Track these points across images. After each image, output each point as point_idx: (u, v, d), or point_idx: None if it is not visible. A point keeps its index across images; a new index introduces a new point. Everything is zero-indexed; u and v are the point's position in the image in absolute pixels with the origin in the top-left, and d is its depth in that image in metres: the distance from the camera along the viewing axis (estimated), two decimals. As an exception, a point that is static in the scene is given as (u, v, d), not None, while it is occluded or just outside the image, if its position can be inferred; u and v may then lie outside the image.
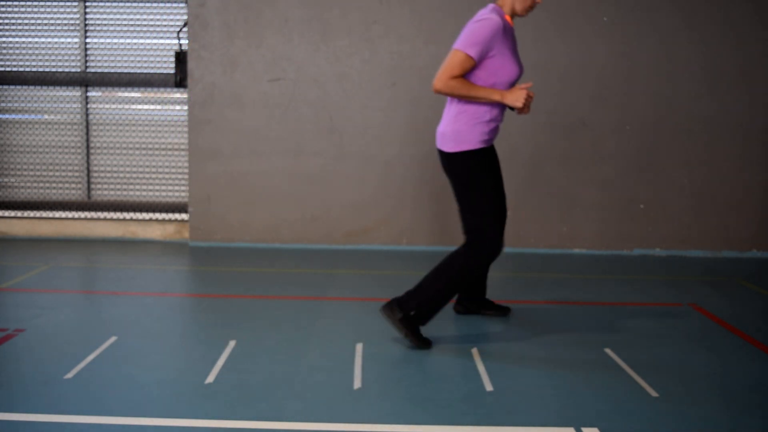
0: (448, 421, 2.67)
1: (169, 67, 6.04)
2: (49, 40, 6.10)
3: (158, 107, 6.17)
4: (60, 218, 6.16)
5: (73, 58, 6.11)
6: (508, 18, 3.47)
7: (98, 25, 6.07)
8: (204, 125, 5.87)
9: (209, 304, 4.30)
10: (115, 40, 6.09)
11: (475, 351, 3.43)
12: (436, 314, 3.52)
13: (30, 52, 6.11)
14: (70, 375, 3.02)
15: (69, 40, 6.09)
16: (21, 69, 6.12)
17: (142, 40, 6.08)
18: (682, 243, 5.91)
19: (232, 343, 3.47)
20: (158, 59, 6.09)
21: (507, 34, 3.42)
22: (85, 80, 6.07)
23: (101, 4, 6.03)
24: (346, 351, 3.40)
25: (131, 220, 6.15)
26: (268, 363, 3.23)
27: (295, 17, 5.77)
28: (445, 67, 3.36)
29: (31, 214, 6.19)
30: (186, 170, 6.14)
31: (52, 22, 6.07)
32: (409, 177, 5.89)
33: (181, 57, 5.88)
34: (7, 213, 6.21)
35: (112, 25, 6.07)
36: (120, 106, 6.17)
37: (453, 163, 3.49)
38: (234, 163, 5.90)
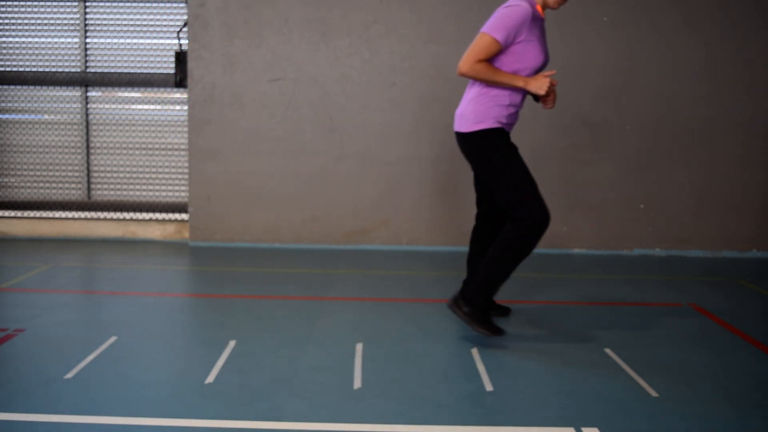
0: (448, 421, 2.66)
1: (169, 67, 6.04)
2: (49, 40, 6.10)
3: (158, 107, 6.17)
4: (60, 218, 6.16)
5: (73, 58, 6.11)
6: (539, 8, 3.45)
7: (98, 25, 6.07)
8: (204, 125, 5.87)
9: (209, 304, 4.30)
10: (115, 40, 6.09)
11: (475, 351, 3.43)
12: (500, 285, 3.53)
13: (30, 52, 6.11)
14: (70, 375, 3.02)
15: (69, 40, 6.09)
16: (21, 69, 6.12)
17: (142, 40, 6.08)
18: (682, 243, 5.91)
19: (232, 343, 3.47)
20: (158, 59, 6.09)
21: (536, 22, 3.39)
22: (85, 80, 6.07)
23: (101, 4, 6.03)
24: (346, 351, 3.40)
25: (131, 220, 6.15)
26: (268, 363, 3.22)
27: (295, 17, 5.77)
28: (471, 50, 3.33)
29: (31, 214, 6.19)
30: (186, 170, 6.14)
31: (52, 22, 6.07)
32: (409, 177, 5.89)
33: (181, 57, 5.88)
34: (7, 213, 6.21)
35: (112, 25, 6.07)
36: (120, 106, 6.17)
37: (471, 143, 3.46)
38: (234, 163, 5.90)
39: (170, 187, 6.22)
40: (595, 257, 5.77)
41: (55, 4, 6.04)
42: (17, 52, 6.11)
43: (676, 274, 5.29)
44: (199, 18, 5.78)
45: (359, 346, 3.46)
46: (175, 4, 6.02)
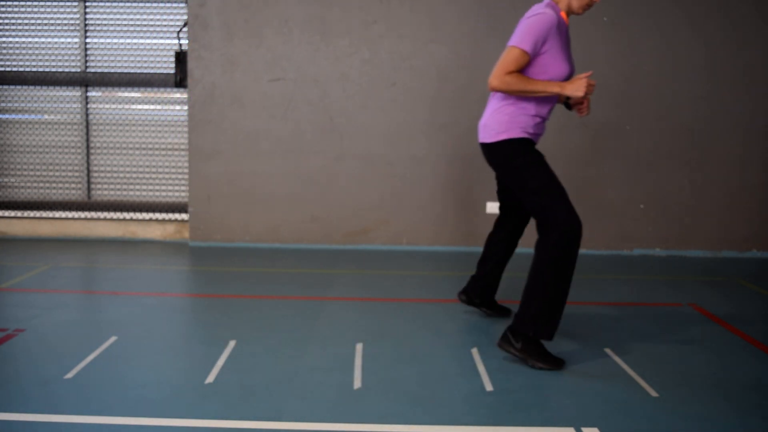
0: (448, 421, 2.66)
1: (169, 67, 6.04)
2: (49, 40, 6.10)
3: (158, 107, 6.17)
4: (60, 218, 6.17)
5: (73, 58, 6.11)
6: (563, 15, 3.36)
7: (98, 25, 6.07)
8: (204, 125, 5.87)
9: (209, 304, 4.30)
10: (115, 40, 6.09)
11: (475, 351, 3.43)
12: (558, 320, 3.21)
13: (30, 52, 6.11)
14: (70, 375, 3.02)
15: (69, 40, 6.09)
16: (21, 69, 6.12)
17: (142, 40, 6.08)
18: (682, 243, 5.92)
19: (232, 343, 3.47)
20: (158, 59, 6.09)
21: (561, 30, 3.30)
22: (85, 80, 6.07)
23: (101, 4, 6.03)
24: (346, 351, 3.40)
25: (131, 220, 6.15)
26: (268, 363, 3.22)
27: (295, 17, 5.77)
28: (500, 64, 3.24)
29: (31, 214, 6.19)
30: (186, 170, 6.14)
31: (52, 22, 6.07)
32: (409, 177, 5.89)
33: (181, 57, 5.88)
34: (7, 213, 6.21)
35: (112, 25, 6.07)
36: (120, 106, 6.17)
37: (496, 153, 3.38)
38: (234, 163, 5.90)
39: (170, 187, 6.22)
40: (595, 257, 5.77)
41: (55, 4, 6.04)
42: (17, 52, 6.11)
43: (676, 274, 5.29)
44: (199, 18, 5.78)
45: (359, 346, 3.46)
46: (175, 4, 6.02)
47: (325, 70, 5.82)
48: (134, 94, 6.19)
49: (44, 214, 6.20)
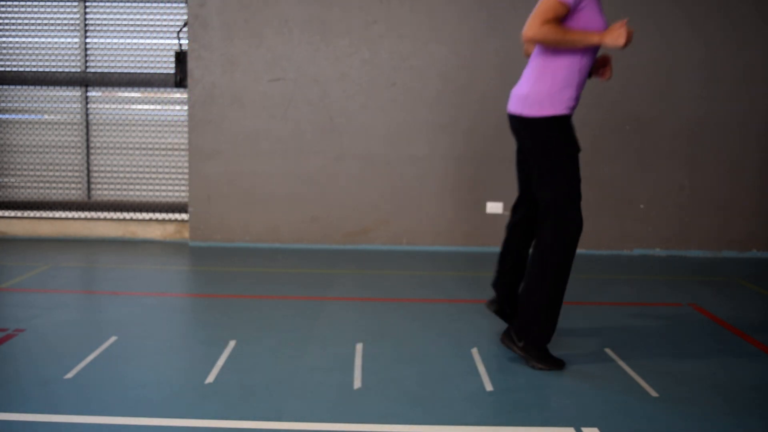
0: (448, 421, 2.66)
1: (169, 67, 6.04)
2: (49, 40, 6.09)
3: (158, 107, 6.17)
4: (60, 218, 6.16)
5: (73, 58, 6.11)
6: None
7: (98, 25, 6.07)
8: (204, 125, 5.87)
9: (209, 304, 4.30)
10: (115, 40, 6.09)
11: (475, 351, 3.43)
12: (555, 323, 3.21)
13: (30, 52, 6.11)
14: (70, 375, 3.02)
15: (69, 40, 6.09)
16: (21, 69, 6.11)
17: (142, 40, 6.08)
18: (682, 243, 5.92)
19: (232, 343, 3.47)
20: (158, 59, 6.09)
21: None
22: (85, 80, 6.07)
23: (101, 4, 6.03)
24: (346, 351, 3.40)
25: (131, 220, 6.15)
26: (268, 363, 3.22)
27: (295, 17, 5.77)
28: (536, 13, 2.99)
29: (31, 214, 6.19)
30: (186, 170, 6.14)
31: (52, 22, 6.07)
32: (409, 177, 5.89)
33: (181, 57, 5.87)
34: (7, 213, 6.21)
35: (112, 25, 6.07)
36: (120, 106, 6.17)
37: (535, 129, 3.13)
38: (234, 163, 5.90)
39: (170, 187, 6.22)
40: (595, 257, 5.77)
41: (55, 4, 6.04)
42: (17, 52, 6.11)
43: (676, 274, 5.29)
44: (199, 18, 5.78)
45: (359, 346, 3.46)
46: (175, 4, 6.02)
47: (325, 70, 5.82)
48: (134, 94, 6.19)
49: (44, 214, 6.20)
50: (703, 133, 5.81)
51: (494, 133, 5.71)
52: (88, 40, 6.08)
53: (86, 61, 6.09)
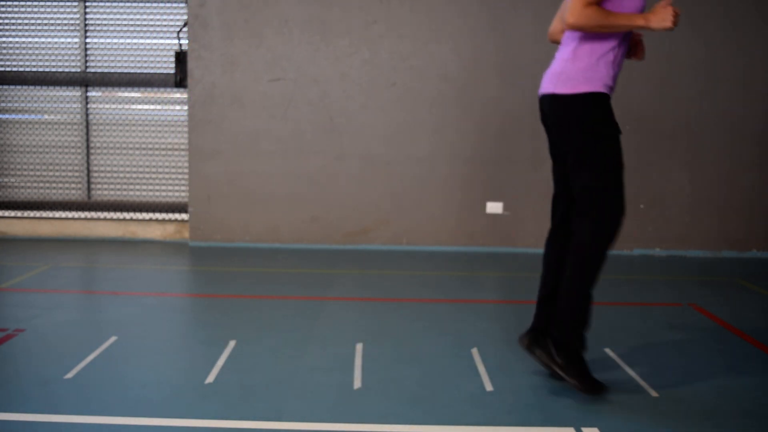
0: (448, 421, 2.66)
1: (169, 67, 6.04)
2: (49, 40, 6.09)
3: (158, 107, 6.18)
4: (60, 218, 6.16)
5: (73, 58, 6.11)
6: None
7: (98, 25, 6.07)
8: (204, 125, 5.87)
9: (209, 304, 4.30)
10: (115, 40, 6.09)
11: (475, 351, 3.43)
12: (586, 328, 2.97)
13: (30, 52, 6.11)
14: (70, 375, 3.02)
15: (69, 40, 6.09)
16: (21, 69, 6.12)
17: (142, 40, 6.08)
18: (682, 243, 5.91)
19: (232, 343, 3.46)
20: (158, 59, 6.09)
21: None
22: (85, 80, 6.07)
23: (101, 4, 6.03)
24: (346, 351, 3.40)
25: (131, 220, 6.15)
26: (268, 363, 3.22)
27: (295, 17, 5.77)
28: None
29: (31, 214, 6.19)
30: (186, 170, 6.14)
31: (52, 22, 6.07)
32: (409, 177, 5.88)
33: (181, 57, 5.87)
34: (7, 213, 6.21)
35: (112, 25, 6.07)
36: (120, 106, 6.17)
37: (572, 107, 2.86)
38: (234, 163, 5.90)
39: (170, 187, 6.22)
40: (595, 257, 5.76)
41: (55, 4, 6.04)
42: (17, 52, 6.11)
43: (676, 274, 5.29)
44: (199, 18, 5.78)
45: (359, 346, 3.46)
46: (175, 4, 6.02)
47: (325, 70, 5.81)
48: (134, 94, 6.19)
49: (44, 214, 6.20)
50: (703, 133, 5.81)
51: (495, 133, 5.71)
52: (88, 40, 6.08)
53: (86, 61, 6.09)
